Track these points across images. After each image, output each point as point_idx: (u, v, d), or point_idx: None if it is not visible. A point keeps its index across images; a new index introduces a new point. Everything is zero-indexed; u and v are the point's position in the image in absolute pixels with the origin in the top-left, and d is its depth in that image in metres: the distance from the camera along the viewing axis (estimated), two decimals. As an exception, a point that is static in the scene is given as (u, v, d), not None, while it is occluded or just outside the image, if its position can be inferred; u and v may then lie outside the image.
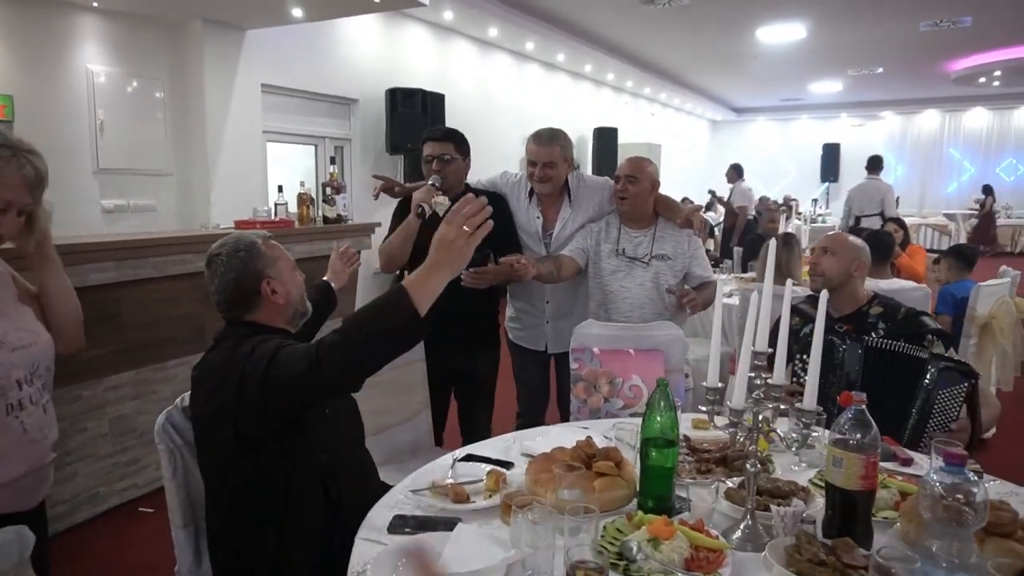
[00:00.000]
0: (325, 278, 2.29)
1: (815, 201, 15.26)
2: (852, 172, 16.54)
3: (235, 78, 5.57)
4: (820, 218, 11.48)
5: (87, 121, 4.89)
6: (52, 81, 4.68)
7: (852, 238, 2.38)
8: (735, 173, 9.12)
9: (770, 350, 1.32)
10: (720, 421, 1.40)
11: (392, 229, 2.60)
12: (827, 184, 16.75)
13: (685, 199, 11.80)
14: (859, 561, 1.16)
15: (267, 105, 5.99)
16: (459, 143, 2.59)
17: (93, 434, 3.01)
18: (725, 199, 9.37)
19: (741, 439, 1.30)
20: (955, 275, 3.87)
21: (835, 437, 1.30)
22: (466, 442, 2.67)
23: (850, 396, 1.31)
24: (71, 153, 4.81)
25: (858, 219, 7.62)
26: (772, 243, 1.52)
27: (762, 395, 1.31)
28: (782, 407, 1.36)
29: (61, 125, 4.74)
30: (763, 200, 9.29)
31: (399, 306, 1.31)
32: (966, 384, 1.91)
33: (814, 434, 1.42)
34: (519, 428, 2.81)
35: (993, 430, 3.96)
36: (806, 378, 2.22)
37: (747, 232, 7.75)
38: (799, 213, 11.50)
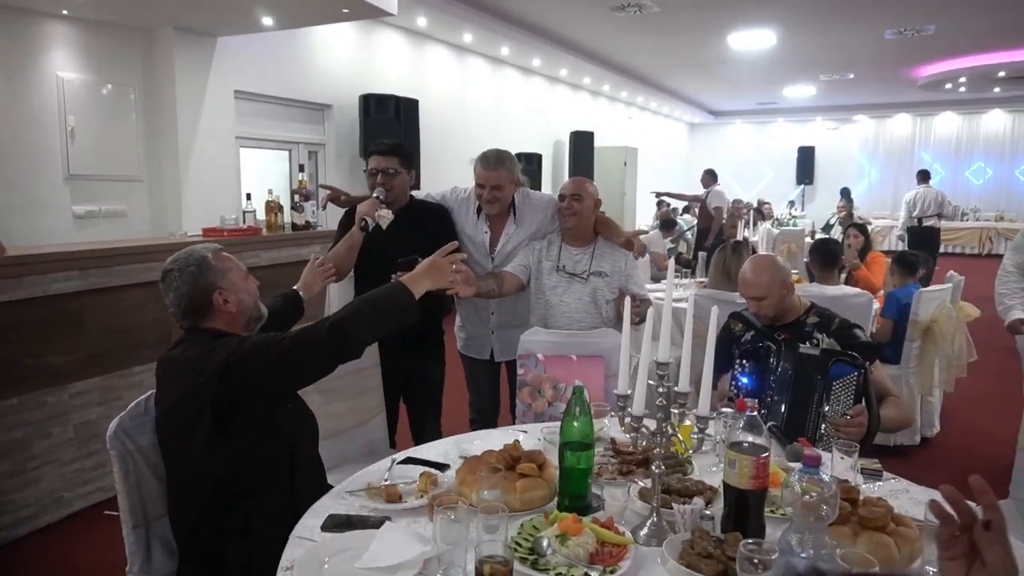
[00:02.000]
0: (295, 287, 2.36)
1: (791, 203, 15.52)
2: (827, 174, 16.89)
3: (207, 84, 5.62)
4: (792, 221, 11.65)
5: (57, 128, 4.92)
6: (22, 88, 4.71)
7: (775, 264, 2.41)
8: (710, 178, 9.28)
9: (670, 360, 1.43)
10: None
11: (337, 239, 2.69)
12: (802, 186, 17.04)
13: (661, 202, 12.00)
14: (742, 554, 1.28)
15: (240, 111, 6.05)
16: (404, 157, 2.67)
17: (58, 439, 3.07)
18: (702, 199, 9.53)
19: (643, 444, 1.41)
20: (899, 280, 4.02)
21: (730, 440, 1.42)
22: (417, 445, 2.77)
23: (744, 403, 1.43)
24: (41, 159, 4.85)
25: (920, 220, 9.56)
26: (672, 264, 1.63)
27: (664, 401, 1.42)
28: (685, 413, 1.48)
29: (31, 132, 4.78)
30: (735, 203, 9.44)
31: (402, 291, 1.72)
32: (856, 374, 2.03)
33: (715, 438, 1.54)
34: (475, 418, 2.94)
35: (936, 428, 4.12)
36: (743, 382, 2.35)
37: (717, 236, 7.90)
38: (770, 216, 11.67)
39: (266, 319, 2.06)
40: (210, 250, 1.80)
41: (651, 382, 1.39)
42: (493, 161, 2.65)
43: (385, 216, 2.42)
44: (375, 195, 2.54)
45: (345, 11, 4.98)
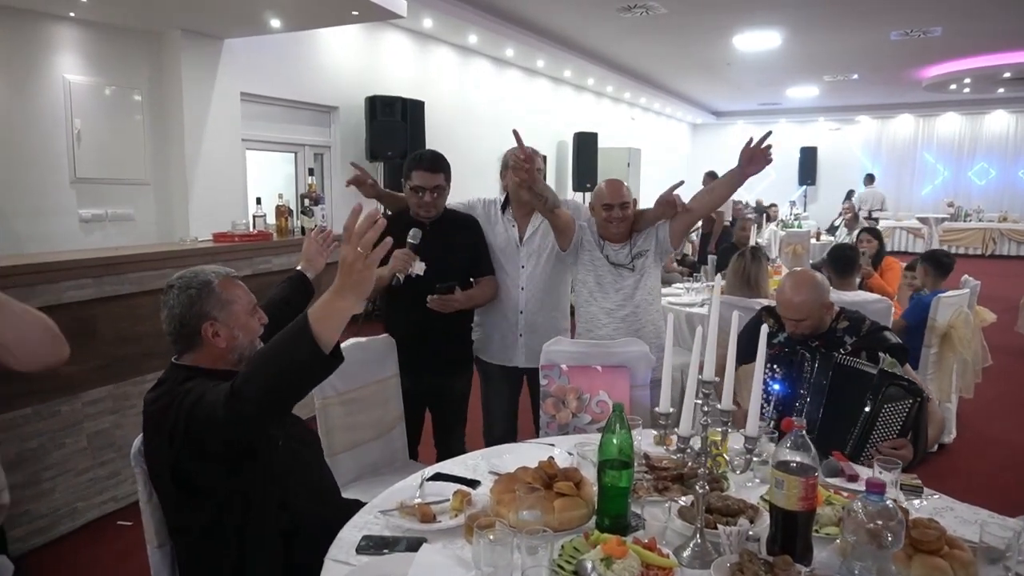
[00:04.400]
0: (299, 267, 2.24)
1: (792, 203, 15.48)
2: (829, 175, 16.86)
3: (214, 87, 5.59)
4: (796, 222, 11.62)
5: (64, 131, 4.88)
6: (28, 91, 4.67)
7: (815, 285, 2.33)
8: (711, 180, 9.24)
9: (717, 379, 1.40)
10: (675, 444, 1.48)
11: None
12: (804, 187, 17.01)
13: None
14: (795, 578, 1.25)
15: (247, 113, 6.01)
16: (448, 171, 2.60)
17: (71, 449, 3.03)
18: None
19: (690, 464, 1.37)
20: (932, 283, 3.88)
21: (777, 460, 1.39)
22: (440, 456, 2.73)
23: (791, 422, 1.39)
24: (48, 163, 4.81)
25: (871, 213, 12.91)
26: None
27: (708, 421, 1.39)
28: (730, 430, 1.44)
29: (38, 135, 4.74)
30: (736, 205, 9.39)
31: (302, 342, 1.27)
32: (911, 401, 2.00)
33: (759, 457, 1.50)
34: (488, 444, 2.89)
35: (953, 434, 4.10)
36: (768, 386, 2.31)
37: (722, 240, 7.86)
38: (776, 218, 11.64)
39: (278, 306, 2.00)
40: (220, 276, 1.67)
41: (698, 401, 1.36)
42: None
43: (418, 268, 2.37)
44: (410, 239, 2.41)
45: (355, 13, 4.94)
